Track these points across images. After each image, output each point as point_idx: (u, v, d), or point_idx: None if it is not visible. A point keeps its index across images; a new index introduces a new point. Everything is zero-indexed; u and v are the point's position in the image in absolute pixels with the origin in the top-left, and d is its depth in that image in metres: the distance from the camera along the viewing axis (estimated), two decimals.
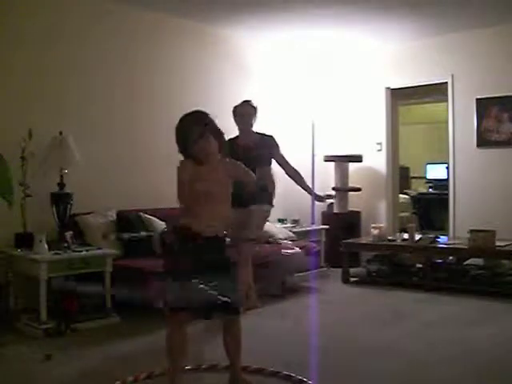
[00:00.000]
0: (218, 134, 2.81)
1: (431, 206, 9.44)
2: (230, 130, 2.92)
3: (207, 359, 3.34)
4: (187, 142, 2.73)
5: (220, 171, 2.81)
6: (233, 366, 2.97)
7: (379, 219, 6.80)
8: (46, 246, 4.16)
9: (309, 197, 5.03)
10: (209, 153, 2.76)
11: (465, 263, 5.64)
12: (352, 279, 5.96)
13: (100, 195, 4.87)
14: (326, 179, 7.02)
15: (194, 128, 2.73)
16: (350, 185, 6.93)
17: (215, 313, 2.86)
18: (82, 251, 4.29)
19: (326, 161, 6.93)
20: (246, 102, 4.58)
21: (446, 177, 7.19)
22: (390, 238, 6.09)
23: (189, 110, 2.85)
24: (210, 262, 2.74)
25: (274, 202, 4.51)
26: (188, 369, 3.18)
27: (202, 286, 2.71)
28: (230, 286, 2.82)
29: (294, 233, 5.99)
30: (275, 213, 6.31)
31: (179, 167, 2.74)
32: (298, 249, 5.41)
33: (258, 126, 4.46)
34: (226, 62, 6.12)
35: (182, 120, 2.80)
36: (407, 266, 5.88)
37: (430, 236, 5.93)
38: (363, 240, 6.32)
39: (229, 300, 2.79)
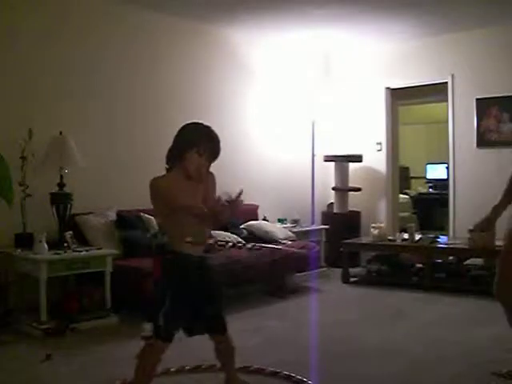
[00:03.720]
0: (214, 158, 2.62)
1: (431, 206, 9.44)
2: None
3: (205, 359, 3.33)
4: (187, 152, 2.54)
5: (201, 188, 2.64)
6: (227, 370, 2.85)
7: (379, 219, 6.80)
8: (45, 246, 4.16)
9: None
10: (202, 172, 2.58)
11: (465, 263, 5.65)
12: (352, 279, 5.96)
13: (100, 195, 4.87)
14: (326, 179, 7.03)
15: (205, 143, 2.55)
16: (350, 185, 6.92)
17: (206, 330, 2.68)
18: (81, 251, 4.29)
19: (325, 161, 6.92)
20: None
21: (446, 177, 7.20)
22: (390, 238, 6.09)
23: (199, 120, 2.67)
24: (202, 280, 2.62)
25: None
26: (188, 369, 3.19)
27: (195, 304, 2.58)
28: (219, 302, 2.71)
29: (293, 233, 5.98)
30: (275, 213, 6.34)
31: (160, 181, 2.53)
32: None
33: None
34: (227, 62, 6.12)
35: (194, 128, 2.63)
36: (407, 265, 5.88)
37: (430, 236, 5.93)
38: (363, 240, 6.31)
39: (219, 316, 2.68)
